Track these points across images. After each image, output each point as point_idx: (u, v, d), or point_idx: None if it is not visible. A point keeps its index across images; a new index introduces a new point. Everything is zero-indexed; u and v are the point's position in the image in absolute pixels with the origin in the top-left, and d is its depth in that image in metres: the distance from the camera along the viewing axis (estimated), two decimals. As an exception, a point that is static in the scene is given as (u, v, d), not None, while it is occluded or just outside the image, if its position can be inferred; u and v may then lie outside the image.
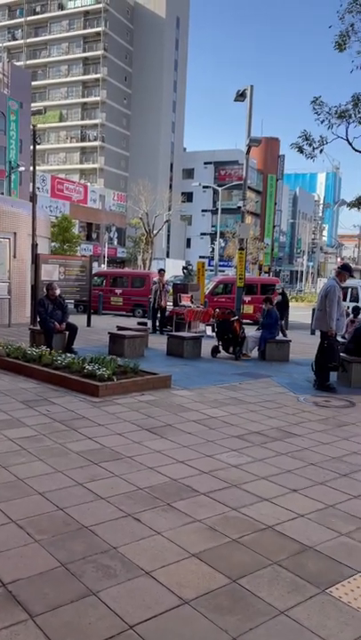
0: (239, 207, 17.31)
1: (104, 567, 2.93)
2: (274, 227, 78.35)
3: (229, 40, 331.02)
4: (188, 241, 72.45)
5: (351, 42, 9.10)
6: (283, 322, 13.30)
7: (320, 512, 3.80)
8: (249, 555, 3.14)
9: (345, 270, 8.49)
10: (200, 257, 56.99)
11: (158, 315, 15.28)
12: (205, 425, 5.92)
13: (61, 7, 68.36)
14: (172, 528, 3.43)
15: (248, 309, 18.22)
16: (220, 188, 42.74)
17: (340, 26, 8.97)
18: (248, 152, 16.15)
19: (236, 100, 15.93)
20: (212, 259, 53.82)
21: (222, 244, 51.62)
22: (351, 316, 11.70)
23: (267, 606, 2.64)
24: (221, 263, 50.72)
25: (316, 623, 2.53)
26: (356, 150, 9.51)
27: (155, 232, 44.57)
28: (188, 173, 72.33)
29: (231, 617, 2.55)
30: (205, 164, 72.19)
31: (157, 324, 15.19)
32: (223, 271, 46.53)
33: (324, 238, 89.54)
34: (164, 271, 16.75)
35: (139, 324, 13.58)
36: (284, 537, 3.39)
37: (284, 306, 15.17)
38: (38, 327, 10.25)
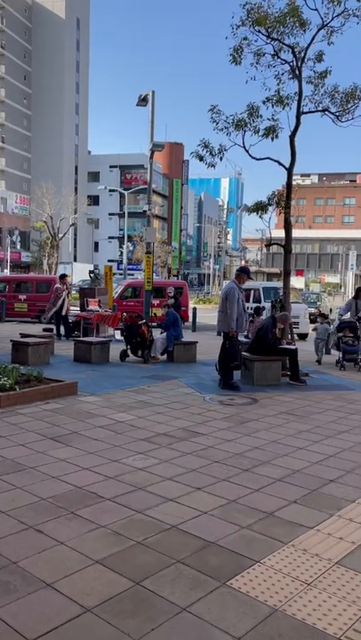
0: (145, 211, 17.42)
1: (3, 583, 2.83)
2: (181, 230, 79.70)
3: (133, 44, 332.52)
4: (96, 244, 71.64)
5: (245, 54, 9.49)
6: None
7: (223, 508, 3.92)
8: (153, 556, 3.17)
9: (243, 273, 8.85)
10: (109, 261, 56.59)
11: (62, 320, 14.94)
12: (112, 430, 5.89)
13: None
14: (76, 536, 3.38)
15: (157, 312, 18.35)
16: (126, 192, 42.74)
17: (233, 38, 9.33)
18: (152, 157, 16.32)
19: (138, 105, 16.05)
20: (120, 262, 53.63)
21: (131, 248, 51.61)
22: (252, 316, 12.16)
23: (169, 605, 2.68)
24: (130, 267, 50.68)
25: (216, 616, 2.61)
26: (253, 157, 9.90)
27: (60, 236, 43.62)
28: (94, 176, 71.65)
29: (134, 619, 2.56)
30: (111, 167, 71.90)
31: (62, 329, 14.85)
32: (132, 274, 46.53)
33: (229, 242, 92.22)
34: (65, 276, 16.46)
35: (44, 330, 13.24)
36: (188, 535, 3.46)
37: (176, 308, 15.47)
38: None
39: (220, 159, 10.01)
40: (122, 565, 3.05)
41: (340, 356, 11.02)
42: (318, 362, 11.52)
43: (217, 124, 9.58)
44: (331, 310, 27.85)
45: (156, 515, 3.74)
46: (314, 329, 12.30)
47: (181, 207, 79.83)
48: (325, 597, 2.81)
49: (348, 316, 11.82)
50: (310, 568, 3.10)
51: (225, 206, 73.93)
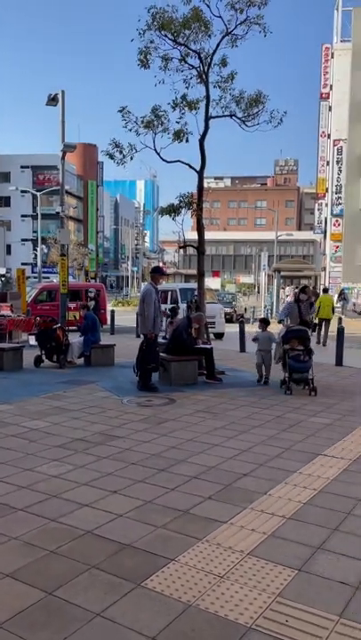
0: (58, 212, 17.04)
1: None
2: (97, 232, 78.77)
3: (43, 41, 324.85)
4: (9, 247, 69.00)
5: (153, 57, 9.55)
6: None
7: (139, 509, 3.91)
8: (66, 564, 3.11)
9: (156, 272, 8.94)
10: (23, 264, 54.68)
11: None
12: (26, 438, 5.71)
13: None
14: (-15, 551, 3.24)
15: (76, 315, 18.00)
16: (38, 193, 41.65)
17: (140, 41, 9.36)
18: (63, 157, 16.01)
19: (48, 105, 15.67)
20: (35, 265, 52.09)
21: (45, 251, 50.29)
22: (170, 317, 12.26)
23: (82, 612, 2.64)
24: (46, 270, 49.40)
25: (130, 618, 2.61)
26: (164, 160, 9.98)
27: (-30, 239, 41.62)
28: (4, 177, 68.96)
29: (46, 631, 2.50)
30: (22, 167, 69.61)
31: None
32: (48, 278, 45.35)
33: (147, 244, 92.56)
34: None
35: None
36: (103, 539, 3.42)
37: (94, 310, 15.38)
38: None
39: (131, 158, 10.00)
40: (34, 576, 2.97)
41: (286, 374, 8.46)
42: (265, 381, 9.10)
43: (127, 124, 9.58)
44: (245, 310, 28.77)
45: (71, 521, 3.68)
46: (254, 339, 9.47)
47: (97, 209, 78.87)
48: (237, 588, 2.89)
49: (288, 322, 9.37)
50: (223, 561, 3.17)
51: (141, 208, 74.08)
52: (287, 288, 30.84)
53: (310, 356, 8.36)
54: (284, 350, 8.43)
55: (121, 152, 9.68)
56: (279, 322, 9.54)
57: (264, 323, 9.71)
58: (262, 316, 10.98)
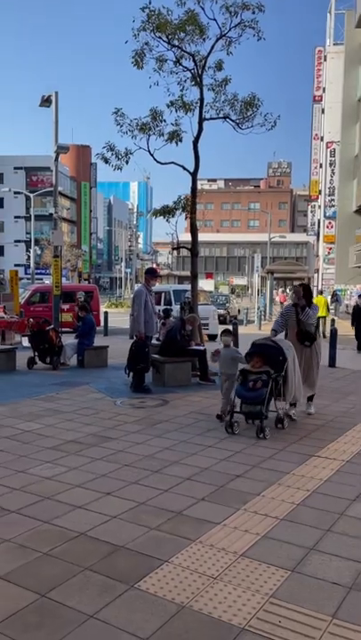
0: (52, 214, 17.03)
1: None
2: (91, 234, 78.70)
3: (37, 42, 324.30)
4: (2, 248, 68.93)
5: (147, 59, 9.57)
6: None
7: (132, 511, 3.91)
8: (60, 565, 3.11)
9: (148, 274, 8.97)
10: (16, 265, 54.55)
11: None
12: (19, 440, 5.69)
13: None
14: (-22, 553, 3.23)
15: (67, 317, 17.98)
16: (31, 195, 41.53)
17: (135, 42, 9.38)
18: (57, 159, 16.00)
19: (41, 106, 15.66)
20: (28, 267, 51.97)
21: (38, 252, 50.19)
22: (162, 319, 12.24)
23: (76, 614, 2.64)
24: (39, 271, 49.23)
25: (124, 619, 2.60)
26: (158, 162, 10.01)
27: None
28: (-3, 178, 68.80)
29: (39, 632, 2.50)
30: (16, 169, 69.44)
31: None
32: (41, 279, 45.19)
33: (140, 245, 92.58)
34: None
35: None
36: (97, 541, 3.42)
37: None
38: None
39: (127, 162, 10.01)
40: (27, 579, 2.96)
41: (232, 404, 6.35)
42: (218, 414, 6.66)
43: (121, 127, 9.59)
44: (239, 311, 28.78)
45: (64, 523, 3.67)
46: (215, 353, 6.90)
47: (90, 210, 78.83)
48: (231, 589, 2.89)
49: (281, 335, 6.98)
50: (217, 562, 3.18)
51: (135, 210, 74.00)
52: (280, 290, 30.79)
53: (272, 383, 6.02)
54: (240, 371, 6.33)
55: (116, 156, 9.68)
56: (273, 332, 6.83)
57: (227, 334, 6.95)
58: (226, 327, 7.29)
